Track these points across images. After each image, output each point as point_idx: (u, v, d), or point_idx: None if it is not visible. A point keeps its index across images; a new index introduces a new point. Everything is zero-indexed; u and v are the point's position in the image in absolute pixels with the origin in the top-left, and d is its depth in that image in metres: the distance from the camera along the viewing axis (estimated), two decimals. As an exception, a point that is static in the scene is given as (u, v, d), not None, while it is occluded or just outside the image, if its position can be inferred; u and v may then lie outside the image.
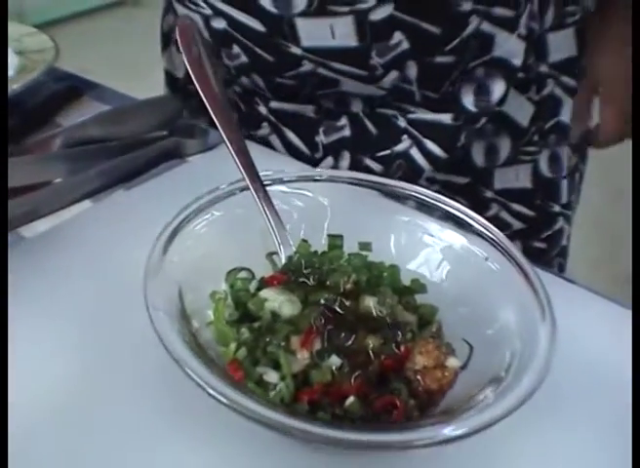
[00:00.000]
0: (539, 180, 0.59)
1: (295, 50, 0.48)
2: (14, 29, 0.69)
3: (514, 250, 0.37)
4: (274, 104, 0.54)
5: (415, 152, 0.52)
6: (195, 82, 0.41)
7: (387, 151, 0.53)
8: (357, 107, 0.52)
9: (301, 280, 0.36)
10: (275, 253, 0.39)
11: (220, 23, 0.50)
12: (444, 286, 0.39)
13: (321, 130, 0.54)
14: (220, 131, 0.39)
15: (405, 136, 0.52)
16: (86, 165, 0.53)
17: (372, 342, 0.34)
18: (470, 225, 0.38)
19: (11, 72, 0.62)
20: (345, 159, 0.54)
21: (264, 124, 0.56)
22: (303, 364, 0.32)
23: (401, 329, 0.36)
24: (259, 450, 0.32)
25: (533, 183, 0.59)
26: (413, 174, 0.54)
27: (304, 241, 0.39)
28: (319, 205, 0.40)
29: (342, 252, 0.40)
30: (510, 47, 0.50)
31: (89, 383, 0.35)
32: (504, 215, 0.59)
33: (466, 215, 0.39)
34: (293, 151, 0.56)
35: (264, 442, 0.32)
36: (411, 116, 0.52)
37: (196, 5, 0.50)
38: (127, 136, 0.56)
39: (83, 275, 0.42)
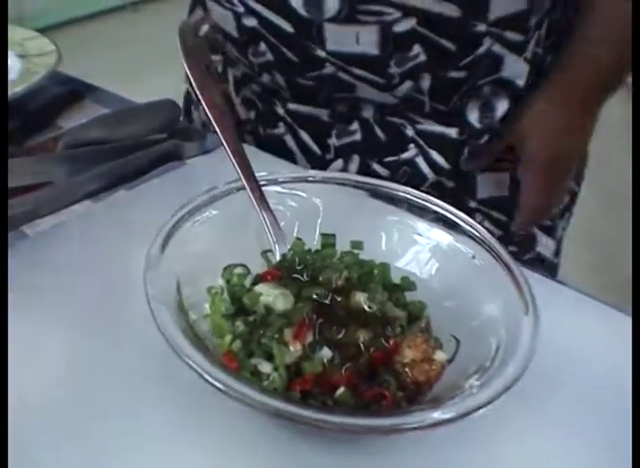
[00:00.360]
0: (516, 189, 0.60)
1: (319, 52, 0.50)
2: (16, 33, 0.71)
3: (500, 248, 0.39)
4: (291, 106, 0.56)
5: (420, 161, 0.55)
6: (194, 85, 0.42)
7: (394, 157, 0.56)
8: (368, 113, 0.54)
9: (295, 276, 0.37)
10: (270, 250, 0.40)
11: (250, 21, 0.52)
12: (432, 282, 0.40)
13: (333, 133, 0.56)
14: (218, 132, 0.41)
15: (412, 145, 0.55)
16: (86, 166, 0.54)
17: (362, 336, 0.35)
18: (458, 225, 0.40)
19: (13, 76, 0.64)
20: (355, 162, 0.57)
21: (280, 124, 0.58)
22: (296, 355, 0.33)
23: (390, 323, 0.37)
24: (256, 440, 0.33)
25: (510, 191, 0.61)
26: (417, 180, 0.56)
27: (299, 239, 0.41)
28: (312, 205, 0.41)
29: (335, 250, 0.41)
30: (517, 68, 0.53)
31: (89, 376, 0.36)
32: (487, 225, 0.61)
33: (454, 215, 0.40)
34: (305, 151, 0.58)
35: (261, 431, 0.33)
36: (419, 127, 0.54)
37: (231, 3, 0.52)
38: (127, 138, 0.58)
39: (84, 271, 0.43)
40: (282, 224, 0.40)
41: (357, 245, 0.41)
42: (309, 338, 0.34)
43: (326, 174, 0.42)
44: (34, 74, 0.63)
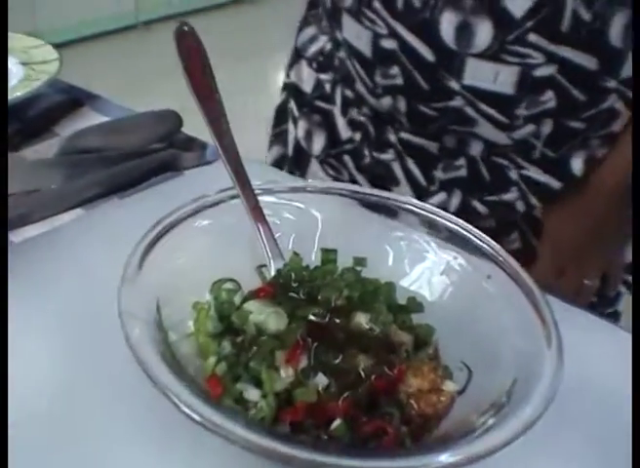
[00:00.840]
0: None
1: (453, 84, 0.50)
2: (22, 41, 0.70)
3: (518, 268, 0.35)
4: (403, 135, 0.56)
5: (520, 205, 0.55)
6: (191, 88, 0.40)
7: (495, 197, 0.56)
8: (476, 151, 0.55)
9: (290, 294, 0.34)
10: (265, 265, 0.37)
11: (390, 44, 0.51)
12: (443, 305, 0.37)
13: (440, 166, 0.56)
14: (213, 136, 0.38)
15: (514, 189, 0.55)
16: (82, 173, 0.52)
17: (362, 362, 0.32)
18: (471, 241, 0.36)
19: (15, 81, 0.62)
20: (457, 197, 0.57)
21: (390, 150, 0.58)
22: (287, 382, 0.30)
23: (395, 349, 0.34)
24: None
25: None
26: (508, 218, 0.57)
27: (296, 254, 0.37)
28: (311, 217, 0.38)
29: (336, 266, 0.38)
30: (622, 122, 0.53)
31: (70, 390, 0.33)
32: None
33: (467, 231, 0.37)
34: (410, 180, 0.59)
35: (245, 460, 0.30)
36: (524, 172, 0.54)
37: (372, 22, 0.52)
38: (124, 146, 0.55)
39: (70, 282, 0.40)
40: (278, 234, 0.36)
41: (360, 261, 0.38)
42: (303, 363, 0.31)
43: (326, 184, 0.39)
44: (35, 81, 0.62)
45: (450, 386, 0.32)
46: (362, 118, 0.59)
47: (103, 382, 0.34)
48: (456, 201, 0.57)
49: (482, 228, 0.56)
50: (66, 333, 0.37)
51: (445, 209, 0.55)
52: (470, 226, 0.37)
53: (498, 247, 0.36)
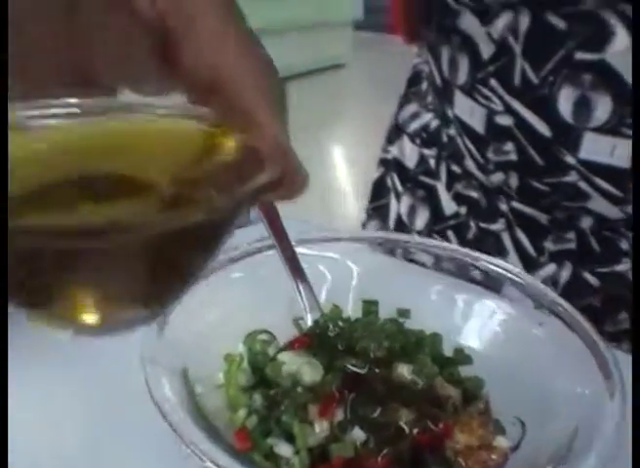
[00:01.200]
0: None
1: (569, 159, 0.49)
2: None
3: (574, 313, 0.32)
4: (515, 204, 0.56)
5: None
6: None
7: (607, 269, 0.54)
8: (586, 224, 0.54)
9: (327, 344, 0.32)
10: (302, 318, 0.36)
11: (506, 121, 0.51)
12: (492, 355, 0.34)
13: (550, 237, 0.56)
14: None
15: (626, 259, 0.53)
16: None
17: (404, 416, 0.29)
18: (521, 286, 0.34)
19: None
20: (567, 269, 0.56)
21: (501, 220, 0.58)
22: (322, 436, 0.28)
23: (441, 403, 0.31)
24: None
25: None
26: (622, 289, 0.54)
27: (336, 306, 0.36)
28: (346, 268, 0.37)
29: (378, 318, 0.36)
30: None
31: (88, 451, 0.32)
32: None
33: (516, 276, 0.35)
34: (520, 250, 0.58)
35: None
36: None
37: (487, 99, 0.52)
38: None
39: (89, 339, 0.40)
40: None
41: (404, 313, 0.36)
42: (339, 416, 0.29)
43: (361, 233, 0.38)
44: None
45: (502, 442, 0.29)
46: (470, 192, 0.59)
47: (129, 437, 0.32)
48: (566, 273, 0.55)
49: (588, 307, 0.53)
50: (84, 386, 0.36)
51: (555, 280, 0.54)
52: (518, 270, 0.35)
53: (550, 292, 0.34)
